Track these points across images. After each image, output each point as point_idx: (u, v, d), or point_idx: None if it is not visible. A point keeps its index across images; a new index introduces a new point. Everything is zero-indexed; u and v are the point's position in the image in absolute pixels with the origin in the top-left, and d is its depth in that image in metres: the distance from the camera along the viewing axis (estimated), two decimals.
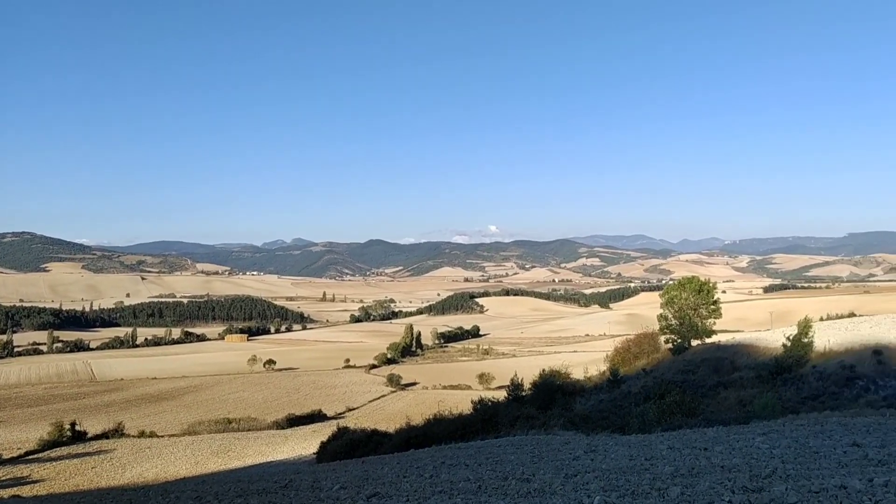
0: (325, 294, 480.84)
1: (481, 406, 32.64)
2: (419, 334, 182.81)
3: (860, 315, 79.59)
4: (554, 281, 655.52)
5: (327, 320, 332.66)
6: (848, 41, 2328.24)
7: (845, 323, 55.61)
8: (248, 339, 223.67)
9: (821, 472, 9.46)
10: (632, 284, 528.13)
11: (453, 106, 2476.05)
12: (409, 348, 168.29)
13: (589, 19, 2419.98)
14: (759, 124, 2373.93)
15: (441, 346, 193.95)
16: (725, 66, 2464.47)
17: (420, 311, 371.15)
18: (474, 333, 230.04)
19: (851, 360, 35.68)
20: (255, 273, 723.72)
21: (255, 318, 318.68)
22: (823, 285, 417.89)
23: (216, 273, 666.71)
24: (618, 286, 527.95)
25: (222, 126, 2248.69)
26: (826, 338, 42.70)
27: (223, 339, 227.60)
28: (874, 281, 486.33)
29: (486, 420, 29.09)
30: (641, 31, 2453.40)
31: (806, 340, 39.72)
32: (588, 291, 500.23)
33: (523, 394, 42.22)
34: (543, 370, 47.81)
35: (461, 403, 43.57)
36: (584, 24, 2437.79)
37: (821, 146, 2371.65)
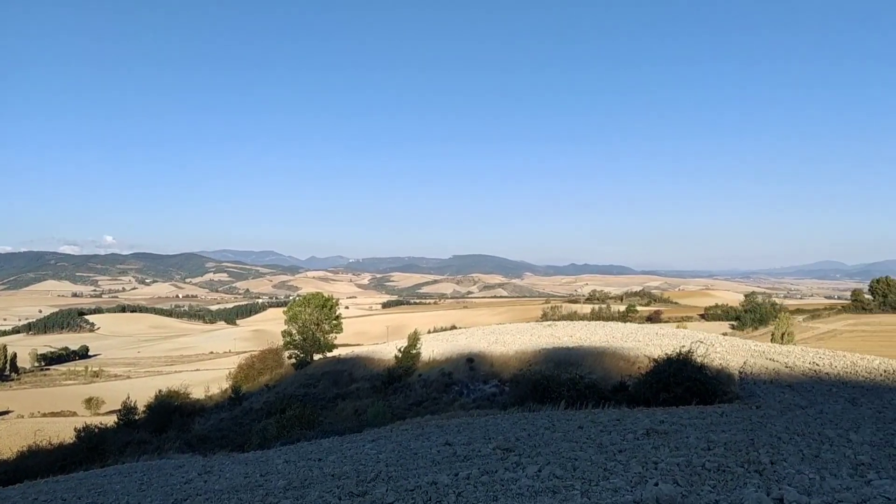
0: None
1: (86, 433, 30.36)
2: (14, 356, 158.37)
3: (459, 328, 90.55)
4: (178, 297, 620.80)
5: None
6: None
7: (447, 335, 62.37)
8: None
9: (417, 472, 10.42)
10: (260, 300, 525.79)
11: (65, 94, 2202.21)
12: (2, 372, 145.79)
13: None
14: (378, 153, 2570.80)
15: (42, 369, 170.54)
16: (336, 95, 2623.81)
17: (17, 330, 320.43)
18: (83, 354, 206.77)
19: (450, 368, 40.11)
20: None
21: None
22: (432, 301, 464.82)
23: None
24: (246, 302, 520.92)
25: None
26: (431, 348, 47.29)
27: None
28: (472, 297, 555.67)
29: (92, 448, 27.64)
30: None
31: (414, 351, 43.62)
32: (214, 307, 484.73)
33: (136, 418, 40.54)
34: (160, 391, 45.66)
35: (64, 432, 39.23)
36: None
37: (429, 180, 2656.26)
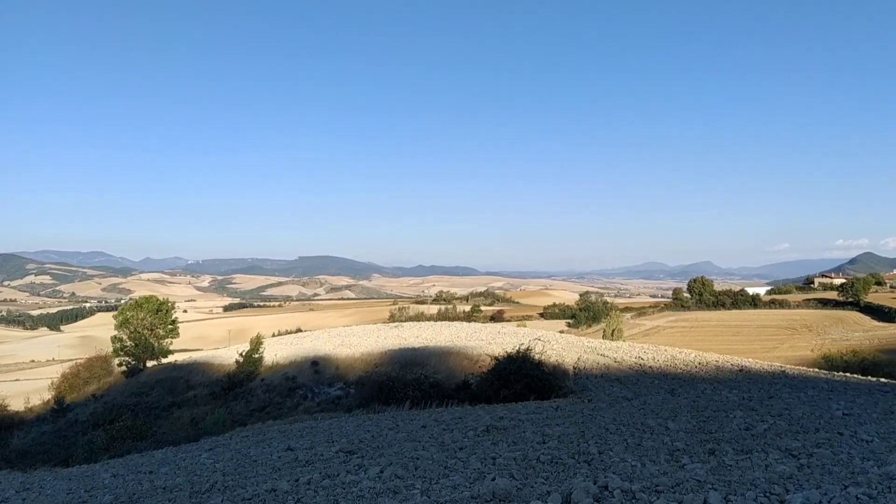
0: None
1: None
2: None
3: (305, 330, 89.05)
4: None
5: None
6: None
7: (292, 338, 61.09)
8: None
9: (256, 479, 10.11)
10: (87, 304, 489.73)
11: None
12: None
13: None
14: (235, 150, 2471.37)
15: None
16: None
17: None
18: None
19: (294, 372, 39.41)
20: None
21: None
22: (277, 304, 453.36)
23: None
24: (71, 306, 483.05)
25: None
26: (275, 352, 46.20)
27: None
28: (318, 299, 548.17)
29: None
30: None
31: (257, 356, 42.47)
32: (36, 313, 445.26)
33: None
34: None
35: None
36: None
37: (274, 178, 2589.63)
